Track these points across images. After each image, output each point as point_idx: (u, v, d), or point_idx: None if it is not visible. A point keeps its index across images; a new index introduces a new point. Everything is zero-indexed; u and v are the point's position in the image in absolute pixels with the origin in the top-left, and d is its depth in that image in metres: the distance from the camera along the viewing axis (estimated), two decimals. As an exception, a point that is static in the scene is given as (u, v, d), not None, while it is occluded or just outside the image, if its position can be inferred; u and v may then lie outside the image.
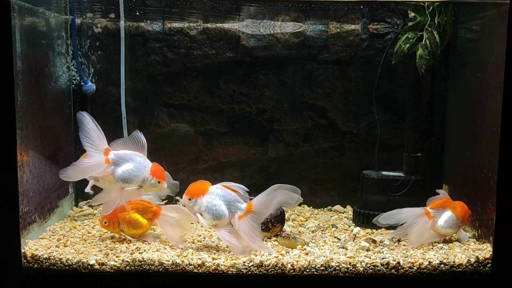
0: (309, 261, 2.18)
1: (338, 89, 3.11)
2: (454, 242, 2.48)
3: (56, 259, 2.19)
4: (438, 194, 2.59)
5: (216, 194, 2.29)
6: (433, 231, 2.47)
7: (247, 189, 2.33)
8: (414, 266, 2.18)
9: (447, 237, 2.52)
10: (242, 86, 3.10)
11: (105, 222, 2.50)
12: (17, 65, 2.25)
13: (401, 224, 2.44)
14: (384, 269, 2.18)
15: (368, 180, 2.83)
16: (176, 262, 2.17)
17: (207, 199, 2.28)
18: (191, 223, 2.77)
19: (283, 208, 2.55)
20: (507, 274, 2.19)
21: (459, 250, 2.34)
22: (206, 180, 2.37)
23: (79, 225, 2.75)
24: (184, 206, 2.37)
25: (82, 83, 3.02)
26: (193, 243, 2.45)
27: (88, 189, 2.57)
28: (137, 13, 2.97)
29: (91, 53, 3.06)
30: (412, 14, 2.78)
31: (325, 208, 3.17)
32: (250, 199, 2.32)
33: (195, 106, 3.13)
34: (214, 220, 2.27)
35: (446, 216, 2.48)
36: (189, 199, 2.29)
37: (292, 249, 2.36)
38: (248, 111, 3.13)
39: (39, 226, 2.54)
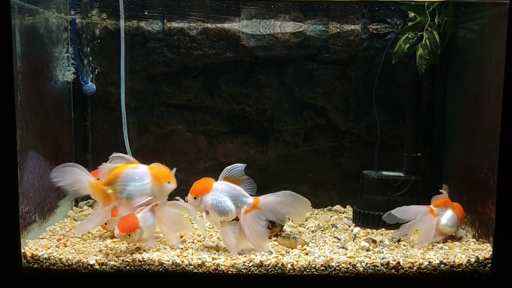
0: (309, 261, 2.18)
1: (338, 89, 3.11)
2: (454, 242, 2.48)
3: (56, 259, 2.19)
4: (441, 193, 2.60)
5: (221, 190, 2.29)
6: (435, 230, 2.47)
7: (245, 164, 2.33)
8: (414, 266, 2.18)
9: (447, 236, 2.52)
10: (242, 86, 3.10)
11: (106, 223, 2.50)
12: (17, 65, 2.25)
13: (404, 223, 2.44)
14: (384, 269, 2.18)
15: (368, 180, 2.83)
16: (176, 262, 2.17)
17: (212, 196, 2.28)
18: (192, 223, 2.78)
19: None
20: (507, 274, 2.19)
21: (459, 250, 2.34)
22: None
23: (79, 225, 2.75)
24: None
25: (83, 83, 3.02)
26: (193, 243, 2.45)
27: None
28: (137, 16, 2.98)
29: (91, 53, 3.06)
30: (412, 14, 2.78)
31: (325, 208, 3.17)
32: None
33: (195, 106, 3.12)
34: (220, 217, 2.27)
35: (448, 214, 2.49)
36: (194, 198, 2.29)
37: (292, 249, 2.36)
38: (248, 111, 3.13)
39: (39, 226, 2.54)
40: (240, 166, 2.32)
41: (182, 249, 2.34)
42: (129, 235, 2.21)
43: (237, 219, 2.32)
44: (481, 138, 2.46)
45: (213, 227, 2.71)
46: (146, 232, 2.28)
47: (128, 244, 2.39)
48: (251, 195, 2.32)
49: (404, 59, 2.87)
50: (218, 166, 3.16)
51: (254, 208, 2.28)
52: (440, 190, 2.65)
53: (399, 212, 2.43)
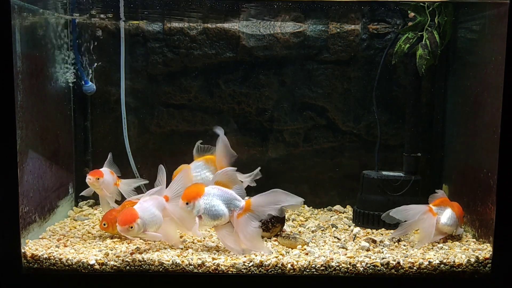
0: (309, 261, 2.18)
1: (338, 89, 3.11)
2: (454, 242, 2.48)
3: (56, 259, 2.19)
4: (437, 193, 2.60)
5: (213, 194, 2.26)
6: (435, 229, 2.47)
7: (235, 168, 2.33)
8: (414, 266, 2.18)
9: (447, 235, 2.52)
10: (242, 86, 3.10)
11: (104, 224, 2.50)
12: (17, 65, 2.25)
13: (404, 222, 2.44)
14: (384, 269, 2.18)
15: (368, 180, 2.83)
16: (176, 262, 2.17)
17: (205, 201, 2.25)
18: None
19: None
20: (507, 274, 2.19)
21: (459, 250, 2.34)
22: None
23: (79, 225, 2.75)
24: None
25: (83, 83, 3.02)
26: (193, 243, 2.45)
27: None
28: (137, 17, 2.98)
29: (91, 52, 3.06)
30: (412, 14, 2.78)
31: (325, 208, 3.17)
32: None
33: (195, 106, 3.12)
34: (214, 221, 2.26)
35: (448, 213, 2.50)
36: (186, 203, 2.25)
37: (292, 249, 2.36)
38: (248, 111, 3.13)
39: (39, 226, 2.54)
40: (230, 170, 2.31)
41: (182, 249, 2.34)
42: (131, 227, 2.18)
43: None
44: (481, 138, 2.46)
45: (212, 227, 2.70)
46: (150, 223, 2.24)
47: (132, 240, 2.38)
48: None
49: (404, 59, 2.87)
50: (218, 166, 3.17)
51: (247, 211, 2.26)
52: (436, 190, 2.65)
53: (398, 212, 2.43)
